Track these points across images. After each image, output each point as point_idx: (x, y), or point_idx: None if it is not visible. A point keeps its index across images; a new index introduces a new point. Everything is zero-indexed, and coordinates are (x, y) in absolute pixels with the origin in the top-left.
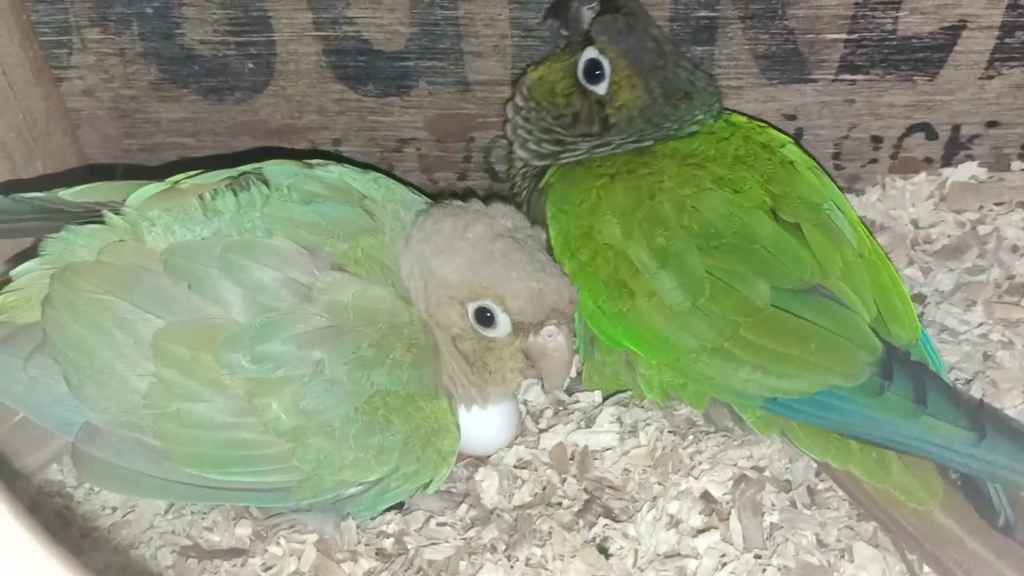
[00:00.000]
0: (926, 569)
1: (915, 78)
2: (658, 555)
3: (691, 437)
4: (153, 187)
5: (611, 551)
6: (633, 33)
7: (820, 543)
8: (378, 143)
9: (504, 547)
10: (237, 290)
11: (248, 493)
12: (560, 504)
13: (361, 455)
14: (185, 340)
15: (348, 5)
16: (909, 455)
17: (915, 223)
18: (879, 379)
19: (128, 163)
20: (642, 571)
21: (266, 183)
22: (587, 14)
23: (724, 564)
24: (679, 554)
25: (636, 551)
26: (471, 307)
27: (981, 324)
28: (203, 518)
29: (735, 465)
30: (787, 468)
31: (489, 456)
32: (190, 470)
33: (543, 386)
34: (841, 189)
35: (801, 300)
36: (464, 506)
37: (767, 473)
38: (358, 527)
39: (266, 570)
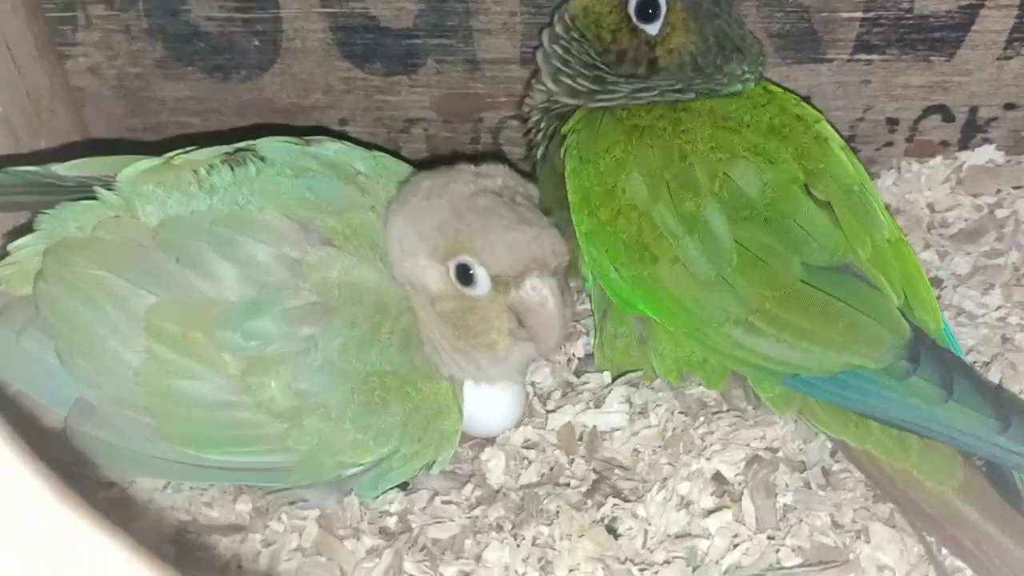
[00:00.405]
0: (944, 551)
1: (932, 58)
2: (668, 535)
3: (702, 418)
4: (147, 162)
5: (620, 531)
6: None
7: (835, 524)
8: (385, 123)
9: (510, 526)
10: (228, 265)
11: (245, 473)
12: (568, 484)
13: (360, 436)
14: (177, 317)
15: None
16: (931, 440)
17: (931, 207)
18: (906, 363)
19: (132, 141)
20: (652, 551)
21: (261, 159)
22: None
23: (736, 545)
24: (690, 534)
25: (646, 531)
26: (451, 264)
27: (999, 307)
28: (202, 493)
29: (748, 446)
30: (801, 449)
31: (495, 437)
32: (183, 448)
33: (539, 350)
34: None
35: (832, 278)
36: (470, 486)
37: (780, 454)
38: (361, 504)
39: (267, 546)
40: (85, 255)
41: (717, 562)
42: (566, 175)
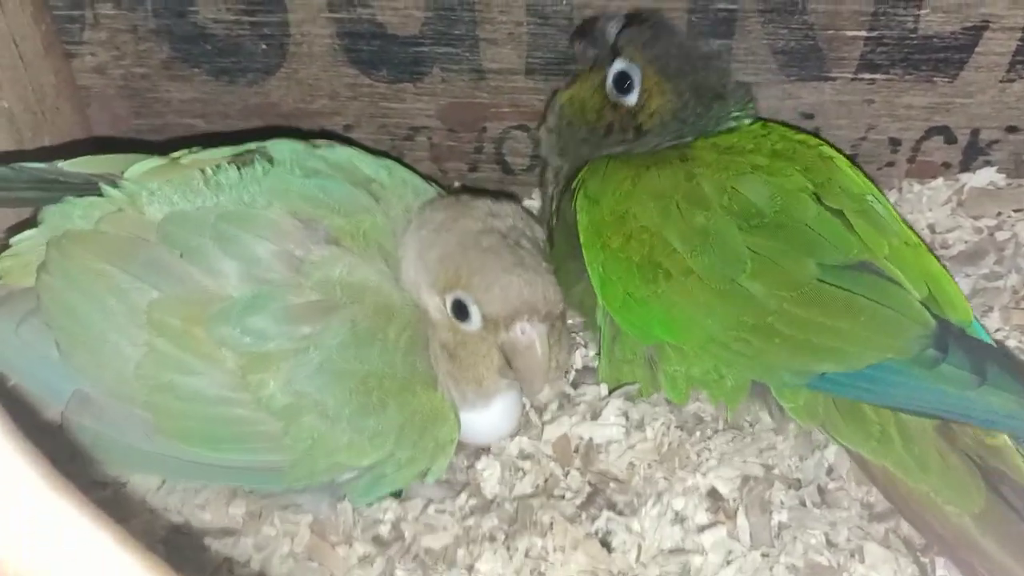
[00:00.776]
0: (940, 572)
1: (935, 79)
2: (662, 550)
3: (699, 433)
4: (153, 160)
5: (614, 544)
6: (659, 41)
7: (830, 543)
8: (389, 130)
9: (504, 537)
10: (230, 261)
11: (240, 472)
12: (563, 496)
13: (356, 437)
14: (179, 312)
15: None
16: (973, 426)
17: (932, 228)
18: (934, 351)
19: (136, 141)
20: (645, 566)
21: (269, 159)
22: (612, 30)
23: (730, 561)
24: (684, 550)
25: (640, 545)
26: (448, 298)
27: (998, 330)
28: (195, 495)
29: (744, 462)
30: (797, 467)
31: (490, 446)
32: (180, 444)
33: (523, 391)
34: None
35: (849, 276)
36: (464, 495)
37: (776, 471)
38: (354, 511)
39: (259, 550)
40: (88, 248)
41: None
42: (577, 219)
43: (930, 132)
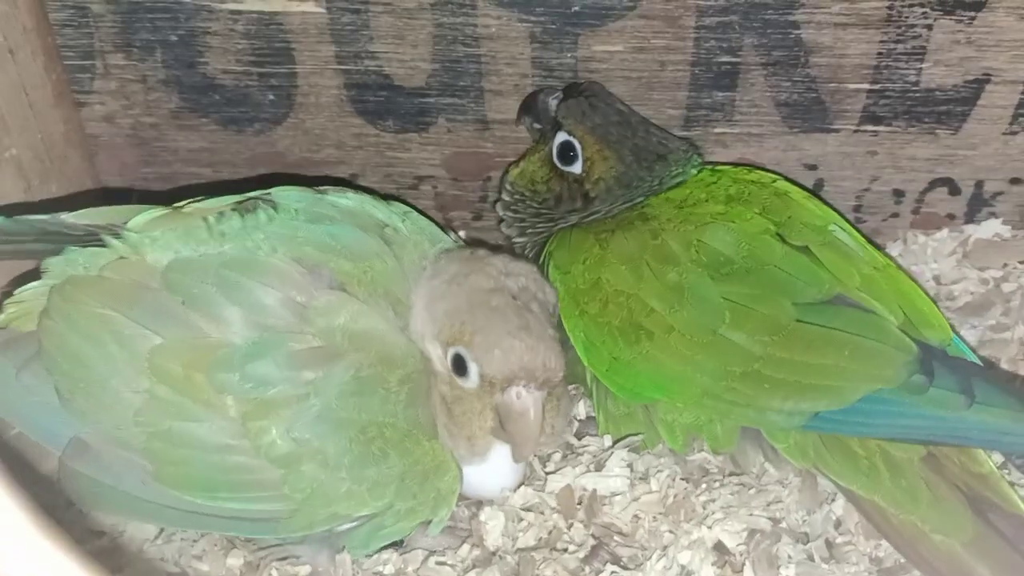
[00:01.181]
0: None
1: (938, 131)
2: None
3: (704, 485)
4: (157, 210)
5: None
6: (597, 110)
7: None
8: (395, 180)
9: None
10: (232, 308)
11: (238, 522)
12: (566, 550)
13: (355, 487)
14: (180, 358)
15: (371, 39)
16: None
17: (937, 279)
18: (921, 376)
19: (144, 190)
20: None
21: (274, 206)
22: (553, 103)
23: None
24: None
25: None
26: (450, 352)
27: None
28: (192, 545)
29: (750, 515)
30: (804, 520)
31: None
32: (178, 492)
33: (513, 453)
34: None
35: (826, 311)
36: (466, 546)
37: (784, 524)
38: (353, 563)
39: None
40: (91, 293)
41: None
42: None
43: (934, 184)
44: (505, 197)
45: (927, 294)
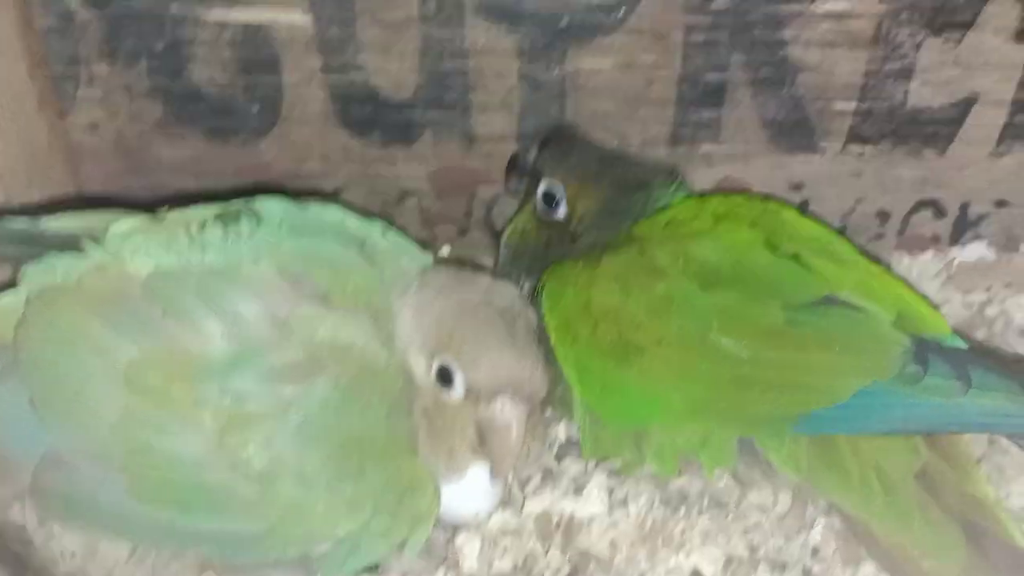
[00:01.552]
0: None
1: (924, 152)
2: None
3: (683, 511)
4: (138, 217)
5: None
6: (572, 152)
7: None
8: (379, 194)
9: None
10: (213, 319)
11: (213, 539)
12: (542, 575)
13: (332, 503)
14: (158, 370)
15: (358, 51)
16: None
17: None
18: (914, 366)
19: (127, 199)
20: None
21: (257, 217)
22: (531, 155)
23: None
24: None
25: None
26: (435, 362)
27: None
28: (166, 567)
29: (728, 542)
30: (782, 547)
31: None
32: (153, 508)
33: (492, 469)
34: None
35: (816, 311)
36: (442, 570)
37: (761, 552)
38: None
39: None
40: (68, 302)
41: None
42: (545, 322)
43: (919, 205)
44: (503, 259)
45: (923, 296)
